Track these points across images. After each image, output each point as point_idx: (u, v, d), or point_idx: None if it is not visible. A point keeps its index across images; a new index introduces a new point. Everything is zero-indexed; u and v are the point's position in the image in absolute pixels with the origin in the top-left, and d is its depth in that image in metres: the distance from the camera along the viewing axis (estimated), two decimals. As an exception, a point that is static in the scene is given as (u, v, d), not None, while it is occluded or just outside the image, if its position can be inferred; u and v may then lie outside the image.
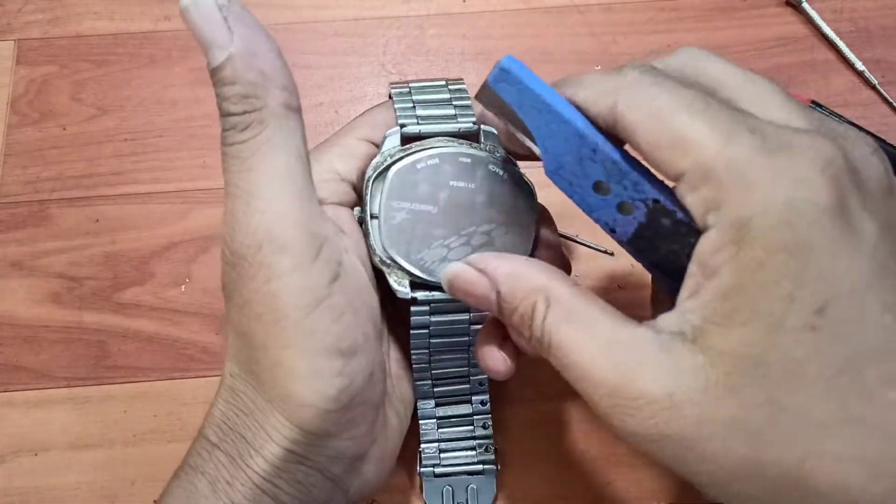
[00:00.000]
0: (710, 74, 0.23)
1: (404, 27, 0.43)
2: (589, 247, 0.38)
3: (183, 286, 0.37)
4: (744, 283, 0.19)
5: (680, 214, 0.23)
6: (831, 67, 0.42)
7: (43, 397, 0.35)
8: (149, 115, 0.41)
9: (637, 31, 0.42)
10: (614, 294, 0.37)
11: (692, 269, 0.21)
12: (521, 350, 0.26)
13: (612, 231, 0.24)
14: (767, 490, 0.20)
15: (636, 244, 0.24)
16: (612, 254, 0.38)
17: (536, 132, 0.23)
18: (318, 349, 0.23)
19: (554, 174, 0.24)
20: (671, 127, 0.20)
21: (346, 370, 0.24)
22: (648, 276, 0.37)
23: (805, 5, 0.42)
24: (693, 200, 0.20)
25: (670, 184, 0.22)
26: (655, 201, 0.23)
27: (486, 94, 0.24)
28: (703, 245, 0.20)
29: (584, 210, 0.24)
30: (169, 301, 0.37)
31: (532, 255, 0.28)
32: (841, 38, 0.42)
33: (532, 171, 0.28)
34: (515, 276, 0.23)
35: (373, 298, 0.27)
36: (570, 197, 0.24)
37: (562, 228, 0.38)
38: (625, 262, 0.38)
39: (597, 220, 0.24)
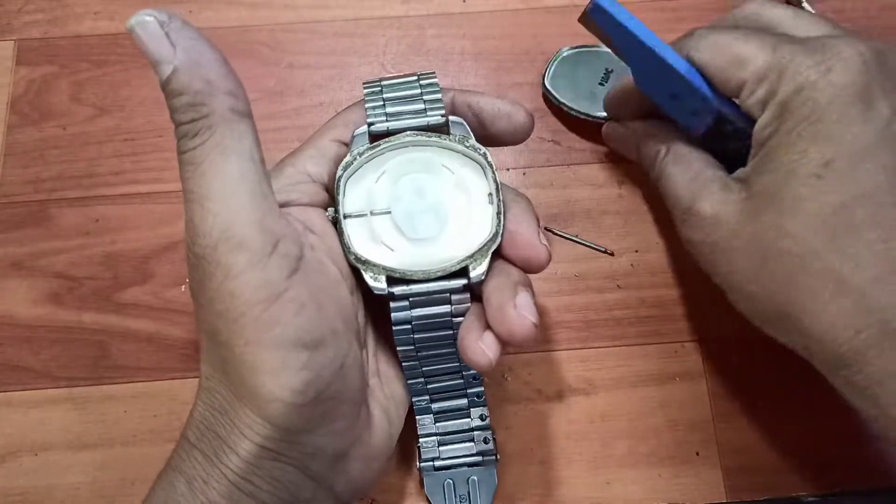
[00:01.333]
0: (768, 17, 0.30)
1: (404, 27, 0.43)
2: (589, 247, 0.38)
3: (183, 286, 0.37)
4: (777, 144, 0.27)
5: (739, 123, 0.29)
6: (831, 67, 0.42)
7: (43, 397, 0.35)
8: (149, 115, 0.41)
9: (637, 31, 0.42)
10: (614, 294, 0.37)
11: (753, 147, 0.28)
12: (502, 341, 0.26)
13: (686, 128, 0.31)
14: (769, 291, 0.27)
15: (706, 142, 0.31)
16: (611, 253, 0.38)
17: (627, 54, 0.30)
18: (279, 342, 0.23)
19: (641, 84, 0.31)
20: (730, 52, 0.28)
21: (311, 363, 0.24)
22: (647, 277, 0.37)
23: (805, 5, 0.42)
24: (752, 102, 0.27)
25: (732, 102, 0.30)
26: (720, 112, 0.30)
27: (585, 20, 0.30)
28: (757, 127, 0.28)
29: (664, 109, 0.31)
30: (169, 301, 0.37)
31: (499, 247, 0.28)
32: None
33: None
34: (648, 133, 0.34)
35: (343, 295, 0.27)
36: (653, 100, 0.31)
37: (563, 228, 0.38)
38: (625, 261, 0.38)
39: (675, 119, 0.31)
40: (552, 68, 0.40)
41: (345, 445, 0.26)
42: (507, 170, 0.39)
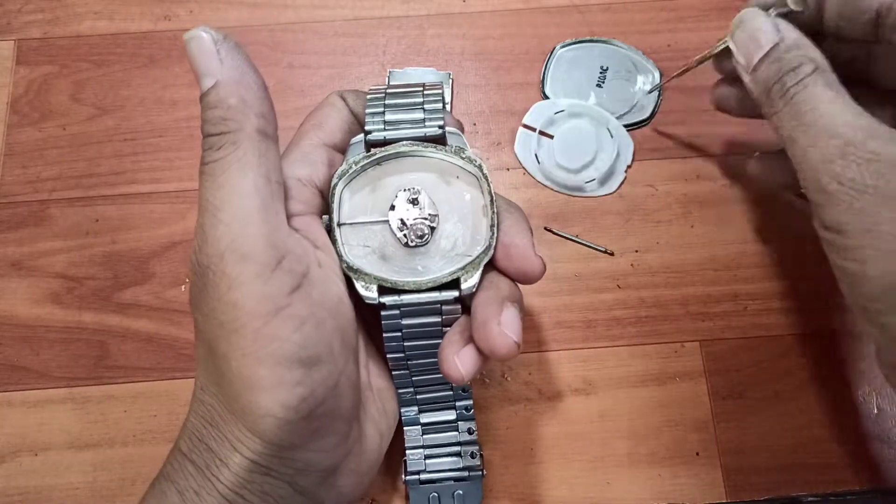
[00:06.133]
0: None
1: (404, 27, 0.43)
2: (589, 247, 0.38)
3: (183, 286, 0.37)
4: None
5: None
6: (831, 67, 0.42)
7: (43, 397, 0.36)
8: (149, 115, 0.41)
9: (637, 31, 0.42)
10: (614, 294, 0.37)
11: None
12: (484, 355, 0.26)
13: None
14: None
15: None
16: (611, 253, 0.38)
17: None
18: (277, 358, 0.23)
19: None
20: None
21: (307, 380, 0.24)
22: (647, 277, 0.37)
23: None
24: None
25: None
26: None
27: None
28: None
29: None
30: (169, 301, 0.37)
31: (493, 259, 0.28)
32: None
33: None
34: (799, 42, 0.28)
35: (344, 313, 0.27)
36: None
37: (563, 228, 0.38)
38: (624, 262, 0.38)
39: None
40: (549, 71, 0.41)
41: (335, 461, 0.26)
42: (507, 169, 0.39)
